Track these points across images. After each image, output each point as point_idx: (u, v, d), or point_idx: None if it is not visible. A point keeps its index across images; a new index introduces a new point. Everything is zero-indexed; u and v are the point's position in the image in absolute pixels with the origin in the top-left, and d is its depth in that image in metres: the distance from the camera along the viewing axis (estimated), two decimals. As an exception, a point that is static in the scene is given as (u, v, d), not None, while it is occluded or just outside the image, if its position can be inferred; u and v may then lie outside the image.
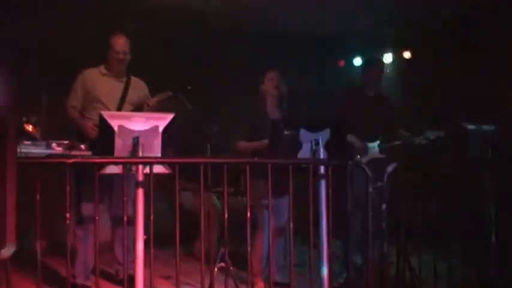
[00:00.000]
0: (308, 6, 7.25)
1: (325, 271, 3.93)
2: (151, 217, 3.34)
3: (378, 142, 5.52)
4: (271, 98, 5.03)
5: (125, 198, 3.33)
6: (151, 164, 3.38)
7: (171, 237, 3.45)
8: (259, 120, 4.95)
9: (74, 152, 3.87)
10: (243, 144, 4.96)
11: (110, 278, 5.12)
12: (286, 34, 8.21)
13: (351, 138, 5.39)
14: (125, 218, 3.36)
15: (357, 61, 8.05)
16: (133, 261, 3.54)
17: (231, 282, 4.73)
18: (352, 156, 5.33)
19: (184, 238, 4.34)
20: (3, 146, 2.25)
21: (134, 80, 5.03)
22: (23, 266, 3.71)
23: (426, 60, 7.87)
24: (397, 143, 5.57)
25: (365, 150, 5.46)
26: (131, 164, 3.51)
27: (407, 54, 8.34)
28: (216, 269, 4.70)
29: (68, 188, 3.05)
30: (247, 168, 3.52)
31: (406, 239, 4.58)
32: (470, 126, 5.02)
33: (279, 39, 8.12)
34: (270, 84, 5.03)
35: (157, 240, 3.60)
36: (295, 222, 4.17)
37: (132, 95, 4.94)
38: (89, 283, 4.64)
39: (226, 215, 3.56)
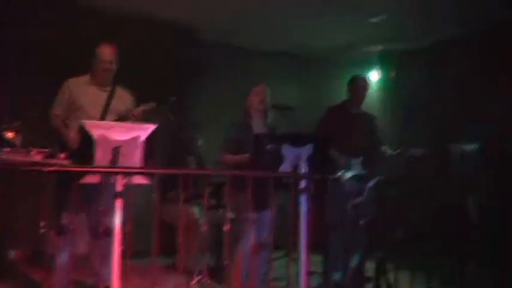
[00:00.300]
0: (297, 21, 7.33)
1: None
2: (129, 228, 3.31)
3: (360, 158, 5.54)
4: (256, 112, 5.04)
5: (100, 208, 3.29)
6: (130, 174, 3.35)
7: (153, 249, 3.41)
8: (243, 133, 4.95)
9: (54, 161, 3.83)
10: (228, 158, 4.94)
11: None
12: (270, 50, 8.29)
13: (334, 154, 5.41)
14: (100, 229, 3.32)
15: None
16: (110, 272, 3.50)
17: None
18: (335, 172, 5.36)
19: (166, 250, 4.34)
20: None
21: (119, 90, 5.00)
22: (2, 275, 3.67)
23: (412, 78, 7.98)
24: (380, 160, 5.61)
25: (348, 167, 5.49)
26: (112, 173, 3.48)
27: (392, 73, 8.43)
28: (194, 282, 4.68)
29: (44, 197, 3.02)
30: (228, 180, 3.50)
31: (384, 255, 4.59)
32: (454, 146, 5.07)
33: (266, 54, 8.19)
34: (256, 99, 5.03)
35: (139, 252, 3.58)
36: (277, 237, 4.17)
37: (116, 105, 4.91)
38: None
39: (205, 228, 3.55)
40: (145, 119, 4.75)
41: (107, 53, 4.85)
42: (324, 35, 7.87)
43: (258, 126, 5.02)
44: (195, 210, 5.69)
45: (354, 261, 4.61)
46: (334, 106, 5.87)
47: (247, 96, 5.08)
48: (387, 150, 5.63)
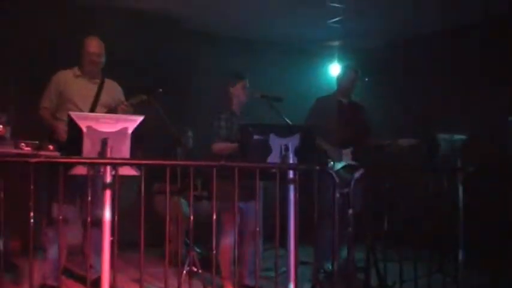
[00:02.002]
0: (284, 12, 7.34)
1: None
2: (116, 218, 3.34)
3: (351, 149, 5.57)
4: (239, 104, 5.14)
5: (89, 199, 3.32)
6: (117, 165, 3.38)
7: (145, 240, 3.44)
8: (232, 122, 5.01)
9: (41, 153, 3.86)
10: (218, 146, 5.00)
11: (80, 279, 5.12)
12: (255, 40, 8.30)
13: (324, 144, 5.45)
14: (89, 219, 3.35)
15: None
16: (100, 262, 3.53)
17: (199, 285, 4.77)
18: (325, 162, 5.39)
19: (156, 241, 4.37)
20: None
21: (108, 82, 5.03)
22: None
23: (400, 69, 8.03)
24: (369, 150, 5.65)
25: (339, 157, 5.52)
26: (98, 164, 3.51)
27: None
28: (184, 272, 4.72)
29: (31, 188, 3.04)
30: (214, 171, 3.53)
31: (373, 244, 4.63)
32: (442, 135, 5.09)
33: (249, 45, 8.19)
34: (242, 92, 5.13)
35: (130, 242, 3.61)
36: (265, 227, 4.20)
37: (106, 97, 4.94)
38: (59, 284, 4.62)
39: (191, 217, 3.58)
40: (134, 111, 4.79)
41: (94, 45, 4.87)
42: (298, 28, 7.87)
43: (241, 118, 5.09)
44: (183, 201, 5.73)
45: (342, 251, 4.66)
46: (324, 96, 5.89)
47: (232, 87, 5.14)
48: (377, 140, 5.67)
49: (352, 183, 4.01)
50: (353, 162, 5.47)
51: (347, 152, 5.55)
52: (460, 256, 4.70)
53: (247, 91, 5.13)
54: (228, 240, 4.86)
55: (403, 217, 4.74)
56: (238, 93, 5.13)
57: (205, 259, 5.65)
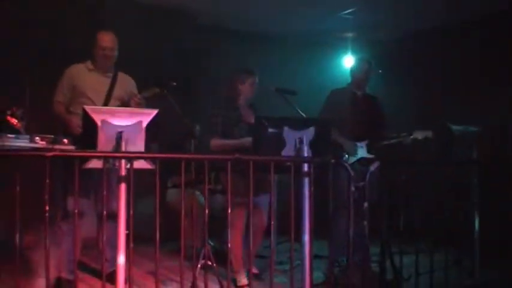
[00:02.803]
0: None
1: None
2: (131, 212, 3.34)
3: (366, 142, 5.55)
4: (244, 99, 5.15)
5: (105, 193, 3.32)
6: (132, 159, 3.38)
7: (161, 234, 3.44)
8: (233, 122, 5.02)
9: (56, 146, 3.86)
10: (215, 142, 5.03)
11: (95, 273, 5.14)
12: (268, 33, 8.28)
13: (339, 138, 5.42)
14: (105, 213, 3.35)
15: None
16: (115, 256, 3.54)
17: (214, 279, 4.77)
18: (340, 155, 5.37)
19: (170, 235, 4.36)
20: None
21: (121, 75, 5.03)
22: (7, 259, 3.70)
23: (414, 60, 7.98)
24: (385, 142, 5.62)
25: (354, 150, 5.50)
26: (114, 158, 3.51)
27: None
28: (199, 266, 4.73)
29: (47, 181, 3.05)
30: (229, 165, 3.51)
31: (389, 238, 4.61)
32: (456, 127, 5.06)
33: (262, 39, 8.17)
34: (251, 89, 5.14)
35: (146, 236, 3.61)
36: (278, 221, 4.17)
37: (119, 91, 4.94)
38: (73, 277, 4.63)
39: (206, 211, 3.57)
40: (148, 104, 4.79)
41: (106, 39, 4.86)
42: (312, 20, 7.84)
43: (247, 114, 5.12)
44: (198, 194, 5.73)
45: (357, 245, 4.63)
46: (339, 88, 5.86)
47: (241, 84, 5.13)
48: (391, 133, 5.64)
49: (368, 176, 3.97)
50: (368, 155, 5.45)
51: (362, 145, 5.53)
52: (476, 249, 4.67)
53: (255, 88, 5.14)
54: (240, 234, 4.88)
55: (418, 210, 4.70)
56: (246, 90, 5.14)
57: (217, 252, 5.67)
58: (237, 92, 5.13)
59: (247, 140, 4.71)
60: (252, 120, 4.73)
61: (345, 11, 6.98)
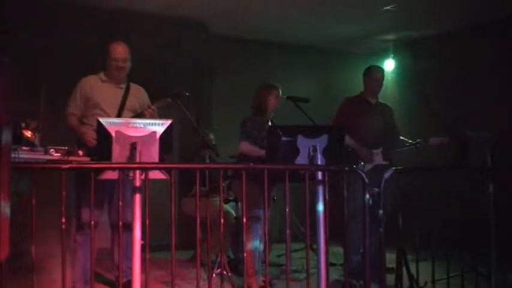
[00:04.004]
0: (309, 14, 7.33)
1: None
2: (147, 222, 3.34)
3: (381, 149, 5.54)
4: (270, 112, 5.29)
5: (121, 203, 3.32)
6: (147, 170, 3.38)
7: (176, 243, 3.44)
8: (262, 128, 5.08)
9: (71, 158, 3.87)
10: (246, 146, 5.08)
11: (108, 283, 5.14)
12: (285, 43, 8.30)
13: (354, 145, 5.42)
14: (121, 224, 3.36)
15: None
16: (130, 266, 3.54)
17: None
18: (355, 162, 5.36)
19: (184, 243, 4.37)
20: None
21: (134, 86, 5.05)
22: (20, 272, 3.72)
23: (429, 68, 7.96)
24: (399, 149, 5.61)
25: (370, 157, 5.49)
26: (128, 169, 3.51)
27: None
28: (214, 275, 4.72)
29: (63, 193, 3.06)
30: (244, 174, 3.51)
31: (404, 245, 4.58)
32: (471, 133, 5.03)
33: (278, 48, 8.20)
34: (275, 103, 5.27)
35: (161, 246, 3.61)
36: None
37: (132, 102, 4.96)
38: (88, 288, 4.65)
39: (222, 220, 3.56)
40: (161, 114, 4.80)
41: (119, 51, 4.89)
42: (337, 26, 7.86)
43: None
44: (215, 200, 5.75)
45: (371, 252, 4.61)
46: (352, 96, 5.86)
47: (267, 96, 5.25)
48: (406, 140, 5.63)
49: (383, 183, 3.96)
50: (384, 162, 5.44)
51: (377, 152, 5.52)
52: (493, 255, 4.63)
53: (279, 100, 5.27)
54: (252, 244, 4.89)
55: (434, 216, 4.68)
56: (271, 101, 5.26)
57: (230, 260, 5.67)
58: (264, 102, 5.26)
59: None
60: None
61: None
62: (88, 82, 4.93)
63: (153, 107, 4.86)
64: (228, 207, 6.22)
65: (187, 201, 6.19)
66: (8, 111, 2.26)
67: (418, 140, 5.47)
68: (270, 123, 5.19)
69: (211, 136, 6.81)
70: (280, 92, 5.29)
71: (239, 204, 5.55)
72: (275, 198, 5.40)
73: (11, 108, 2.27)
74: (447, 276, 4.36)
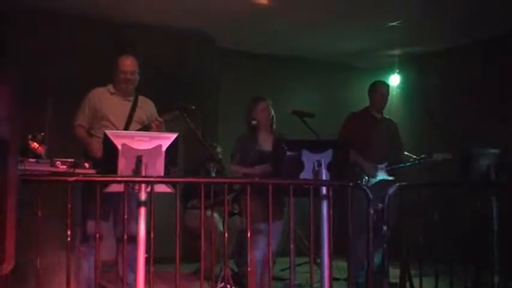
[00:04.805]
0: (315, 28, 7.37)
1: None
2: (152, 235, 3.35)
3: (385, 164, 5.55)
4: (262, 126, 5.11)
5: (126, 216, 3.34)
6: (152, 183, 3.41)
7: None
8: (249, 147, 5.03)
9: (78, 170, 3.90)
10: (236, 168, 5.04)
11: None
12: (291, 57, 8.34)
13: (359, 159, 5.43)
14: (125, 236, 3.37)
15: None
16: (134, 279, 3.55)
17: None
18: (360, 177, 5.38)
19: (187, 256, 4.37)
20: (4, 163, 2.29)
21: (142, 99, 5.08)
22: (23, 282, 3.73)
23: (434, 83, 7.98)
24: (404, 165, 5.62)
25: (374, 172, 5.50)
26: (134, 182, 3.53)
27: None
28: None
29: (69, 206, 3.08)
30: (248, 188, 3.53)
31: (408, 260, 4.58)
32: (475, 149, 5.03)
33: (284, 62, 8.23)
34: (263, 116, 5.09)
35: (164, 259, 3.62)
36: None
37: (140, 114, 4.99)
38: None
39: (226, 234, 3.57)
40: (168, 127, 4.83)
41: (127, 64, 4.93)
42: (343, 40, 7.90)
43: (264, 139, 5.09)
44: (217, 217, 5.76)
45: (375, 265, 4.62)
46: (357, 111, 5.89)
47: (254, 109, 5.11)
48: (410, 155, 5.64)
49: (387, 198, 3.97)
50: (388, 177, 5.45)
51: (382, 167, 5.53)
52: (496, 269, 4.62)
53: (268, 113, 5.10)
54: (254, 258, 4.88)
55: (438, 232, 4.68)
56: (259, 115, 5.08)
57: (233, 274, 5.66)
58: (251, 117, 5.09)
59: (261, 167, 4.78)
60: (267, 148, 4.77)
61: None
62: (96, 94, 4.96)
63: (160, 119, 4.89)
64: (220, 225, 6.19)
65: (190, 213, 6.21)
66: (15, 126, 2.29)
67: (422, 156, 5.47)
68: (266, 140, 5.07)
69: (219, 149, 6.82)
70: (267, 104, 5.13)
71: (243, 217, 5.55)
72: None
73: (18, 120, 2.30)
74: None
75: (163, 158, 3.68)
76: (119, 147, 3.58)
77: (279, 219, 4.74)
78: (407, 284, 4.73)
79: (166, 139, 3.72)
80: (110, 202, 4.31)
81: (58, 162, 3.95)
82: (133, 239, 3.51)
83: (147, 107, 5.10)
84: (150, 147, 3.65)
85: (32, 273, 3.10)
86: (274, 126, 5.19)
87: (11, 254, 2.34)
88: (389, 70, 8.85)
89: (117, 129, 4.73)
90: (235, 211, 6.05)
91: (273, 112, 5.14)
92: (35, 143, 4.01)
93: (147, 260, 3.48)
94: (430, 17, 6.90)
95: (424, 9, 6.64)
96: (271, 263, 3.91)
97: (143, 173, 3.52)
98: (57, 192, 3.23)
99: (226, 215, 3.67)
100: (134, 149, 3.60)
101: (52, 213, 3.25)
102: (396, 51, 8.45)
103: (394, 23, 7.06)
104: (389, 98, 5.87)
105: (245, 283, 4.35)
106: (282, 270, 6.43)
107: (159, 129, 4.76)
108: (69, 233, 3.10)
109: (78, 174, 3.47)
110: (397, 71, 8.81)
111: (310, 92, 8.25)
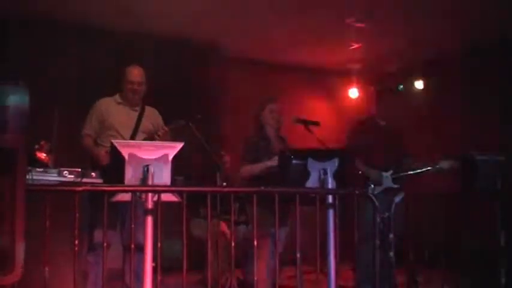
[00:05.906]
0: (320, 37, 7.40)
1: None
2: (159, 244, 3.37)
3: (390, 172, 5.54)
4: (270, 128, 5.11)
5: (133, 226, 3.36)
6: (159, 192, 3.42)
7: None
8: (262, 143, 5.03)
9: (85, 180, 3.92)
10: (244, 169, 5.02)
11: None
12: (296, 65, 8.36)
13: (365, 167, 5.42)
14: (132, 246, 3.38)
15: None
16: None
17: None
18: (365, 186, 5.36)
19: (193, 265, 4.38)
20: (13, 173, 2.32)
21: (148, 109, 5.11)
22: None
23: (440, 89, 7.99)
24: (409, 172, 5.60)
25: (380, 180, 5.48)
26: (141, 192, 3.55)
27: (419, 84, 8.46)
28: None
29: (76, 216, 3.10)
30: (254, 197, 3.54)
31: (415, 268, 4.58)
32: (480, 157, 5.02)
33: (289, 71, 8.24)
34: (270, 116, 5.10)
35: (170, 267, 3.62)
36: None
37: (146, 124, 5.02)
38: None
39: (233, 243, 3.58)
40: (173, 137, 4.85)
41: (135, 74, 4.96)
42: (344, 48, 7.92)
43: (272, 139, 5.10)
44: (224, 226, 5.75)
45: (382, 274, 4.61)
46: (363, 118, 5.88)
47: (261, 111, 5.12)
48: (416, 163, 5.63)
49: (393, 206, 3.97)
50: (394, 185, 5.43)
51: (387, 175, 5.51)
52: (503, 278, 4.61)
53: (277, 115, 5.10)
54: (262, 265, 4.87)
55: (444, 240, 4.68)
56: (267, 117, 5.09)
57: (240, 283, 5.65)
58: (260, 119, 5.12)
59: (273, 161, 4.69)
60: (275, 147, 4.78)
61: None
62: (103, 104, 5.00)
63: (165, 128, 4.91)
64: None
65: (195, 222, 6.21)
66: (24, 136, 2.32)
67: (428, 164, 5.46)
68: (279, 145, 5.08)
69: (226, 158, 6.81)
70: (275, 106, 5.12)
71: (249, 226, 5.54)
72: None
73: (26, 130, 2.32)
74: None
75: (169, 167, 3.70)
76: (126, 156, 3.60)
77: (285, 225, 4.72)
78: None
79: (173, 148, 3.74)
80: (116, 210, 4.32)
81: (65, 172, 3.97)
82: (140, 248, 3.53)
83: (153, 117, 5.13)
84: (156, 157, 3.66)
85: (40, 282, 3.12)
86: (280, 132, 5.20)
87: (19, 263, 2.36)
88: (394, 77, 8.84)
89: (124, 139, 4.75)
90: (242, 221, 6.04)
91: (282, 118, 5.15)
92: (42, 153, 4.03)
93: (154, 269, 3.49)
94: (428, 25, 6.91)
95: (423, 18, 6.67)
96: (277, 272, 3.90)
97: (150, 182, 3.54)
98: (64, 201, 3.24)
99: (233, 225, 3.67)
100: (141, 158, 3.61)
101: (59, 222, 3.27)
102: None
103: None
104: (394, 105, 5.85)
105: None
106: (287, 278, 6.41)
107: (164, 139, 4.77)
108: (76, 242, 3.11)
109: (85, 184, 3.48)
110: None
111: (315, 100, 8.25)
